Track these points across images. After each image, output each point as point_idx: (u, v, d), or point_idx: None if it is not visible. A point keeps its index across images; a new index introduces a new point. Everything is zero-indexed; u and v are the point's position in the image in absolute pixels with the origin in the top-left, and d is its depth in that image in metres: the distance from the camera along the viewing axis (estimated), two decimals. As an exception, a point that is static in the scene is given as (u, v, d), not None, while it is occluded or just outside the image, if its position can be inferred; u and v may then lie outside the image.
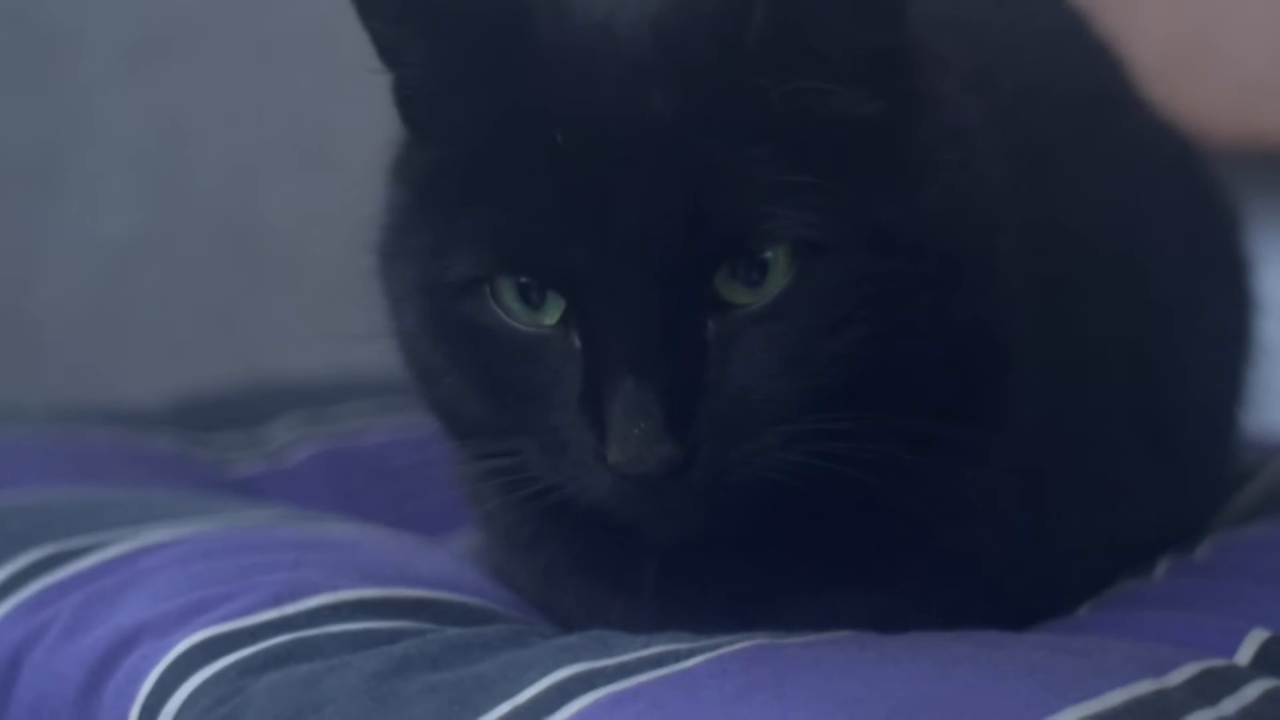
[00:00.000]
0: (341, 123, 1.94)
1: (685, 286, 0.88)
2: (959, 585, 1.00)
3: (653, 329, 0.88)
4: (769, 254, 0.88)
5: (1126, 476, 1.11)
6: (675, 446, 0.87)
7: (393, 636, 0.94)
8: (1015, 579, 1.03)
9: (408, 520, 1.21)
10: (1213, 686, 0.86)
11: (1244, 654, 0.92)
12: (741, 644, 0.89)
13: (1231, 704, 0.84)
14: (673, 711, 0.80)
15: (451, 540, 1.25)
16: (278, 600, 0.97)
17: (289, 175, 2.01)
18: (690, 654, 0.87)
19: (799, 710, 0.78)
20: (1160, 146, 1.29)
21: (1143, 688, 0.83)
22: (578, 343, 0.90)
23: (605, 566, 1.01)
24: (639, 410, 0.87)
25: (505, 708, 0.82)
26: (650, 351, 0.88)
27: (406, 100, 0.96)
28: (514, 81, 0.91)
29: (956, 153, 0.94)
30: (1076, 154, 1.15)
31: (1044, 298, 1.03)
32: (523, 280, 0.90)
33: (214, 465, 1.46)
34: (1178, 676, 0.86)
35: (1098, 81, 1.26)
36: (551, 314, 0.91)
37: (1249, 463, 1.36)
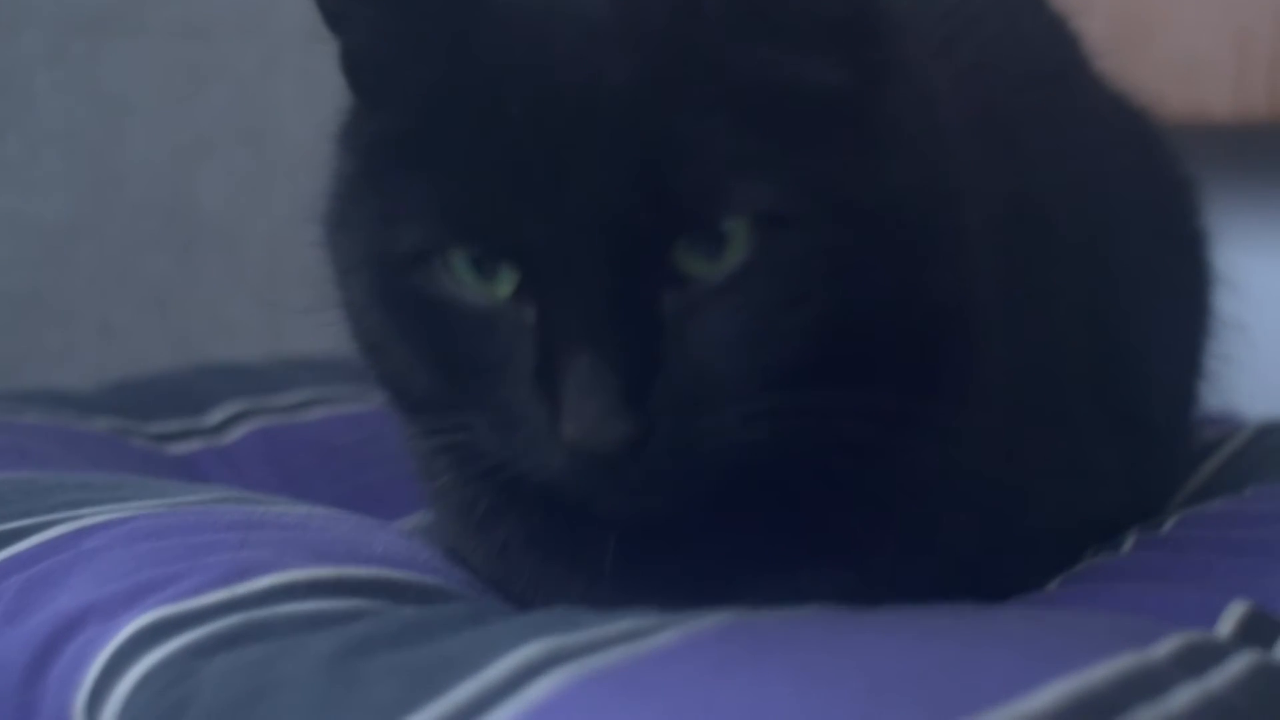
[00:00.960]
0: (279, 103, 1.92)
1: (642, 259, 0.86)
2: (927, 563, 0.99)
3: (608, 302, 0.85)
4: (728, 226, 0.86)
5: (1092, 452, 1.09)
6: (631, 423, 0.85)
7: (349, 616, 0.91)
8: (983, 557, 1.01)
9: (349, 499, 1.19)
10: (1197, 659, 0.84)
11: (1224, 626, 0.91)
12: (713, 619, 0.86)
13: (1218, 677, 0.82)
14: (647, 687, 0.77)
15: (397, 520, 1.22)
16: (227, 580, 0.94)
17: (226, 156, 1.97)
18: (660, 629, 0.85)
19: (778, 684, 0.76)
20: (1117, 119, 1.28)
21: (1127, 660, 0.80)
22: (531, 316, 0.88)
23: (563, 545, 0.99)
24: (594, 385, 0.85)
25: (472, 686, 0.79)
26: (606, 325, 0.85)
27: (354, 66, 0.94)
28: (464, 46, 0.88)
29: (924, 122, 0.92)
30: (1036, 126, 1.13)
31: (1010, 272, 1.01)
32: (475, 252, 0.88)
33: (151, 446, 1.44)
34: (1161, 649, 0.84)
35: (1055, 54, 1.25)
36: (505, 286, 0.88)
37: (1210, 439, 1.35)
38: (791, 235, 0.86)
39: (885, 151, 0.89)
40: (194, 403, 1.53)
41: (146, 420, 1.48)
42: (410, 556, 1.03)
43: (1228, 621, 0.91)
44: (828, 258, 0.87)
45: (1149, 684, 0.79)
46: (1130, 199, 1.22)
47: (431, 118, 0.89)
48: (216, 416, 1.50)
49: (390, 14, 0.91)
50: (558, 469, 0.88)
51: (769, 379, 0.87)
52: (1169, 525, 1.12)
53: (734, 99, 0.85)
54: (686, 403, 0.87)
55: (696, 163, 0.85)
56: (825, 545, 0.97)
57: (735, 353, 0.87)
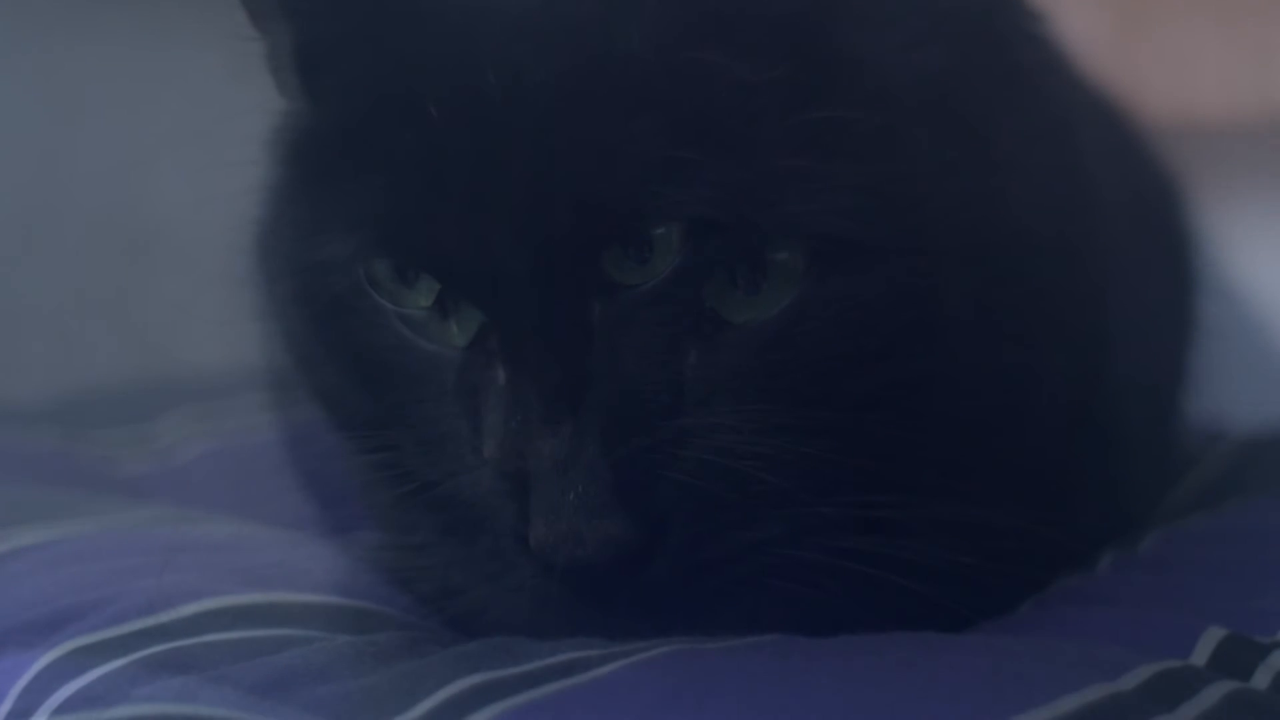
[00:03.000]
0: (238, 106, 1.87)
1: (567, 269, 0.81)
2: (893, 591, 0.93)
3: (532, 316, 0.81)
4: (781, 254, 0.80)
5: (1071, 471, 1.04)
6: (628, 522, 0.77)
7: (278, 645, 0.86)
8: (954, 584, 0.95)
9: (306, 520, 1.14)
10: (1169, 689, 0.79)
11: (1200, 654, 0.86)
12: (657, 650, 0.81)
13: (1190, 709, 0.77)
14: (582, 725, 0.72)
15: (352, 540, 1.18)
16: (151, 607, 0.89)
17: (180, 160, 1.90)
18: (602, 661, 0.80)
19: (726, 721, 0.71)
20: (1097, 116, 1.23)
21: (1095, 693, 0.76)
22: (454, 327, 0.84)
23: (505, 568, 0.94)
24: (514, 402, 0.80)
25: None
26: (528, 341, 0.81)
27: (280, 69, 0.90)
28: (390, 43, 0.84)
29: (879, 121, 0.85)
30: (1013, 124, 1.09)
31: (984, 279, 0.96)
32: (395, 261, 0.84)
33: (100, 463, 1.40)
34: (1132, 680, 0.79)
35: (1030, 53, 1.20)
36: (424, 295, 0.84)
37: (1189, 449, 1.30)
38: (863, 268, 0.80)
39: (835, 155, 0.82)
40: (144, 416, 1.49)
41: (95, 434, 1.44)
42: (351, 581, 0.98)
43: (1204, 649, 0.86)
44: (912, 301, 0.81)
45: (1119, 717, 0.75)
46: (1113, 198, 1.17)
47: (353, 118, 0.85)
48: (168, 433, 1.45)
49: (315, 7, 0.87)
50: (527, 598, 0.83)
51: (830, 474, 0.80)
52: (1146, 543, 1.07)
53: (666, 99, 0.80)
54: (710, 503, 0.79)
55: (622, 166, 0.79)
56: (782, 570, 0.91)
57: (782, 432, 0.79)
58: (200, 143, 1.87)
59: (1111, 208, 1.15)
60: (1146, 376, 1.19)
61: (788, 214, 0.79)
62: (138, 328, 1.92)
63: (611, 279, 0.81)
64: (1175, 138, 1.32)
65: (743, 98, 0.81)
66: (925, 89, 0.84)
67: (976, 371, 0.82)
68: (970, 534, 0.81)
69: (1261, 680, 0.83)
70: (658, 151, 0.79)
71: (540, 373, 0.80)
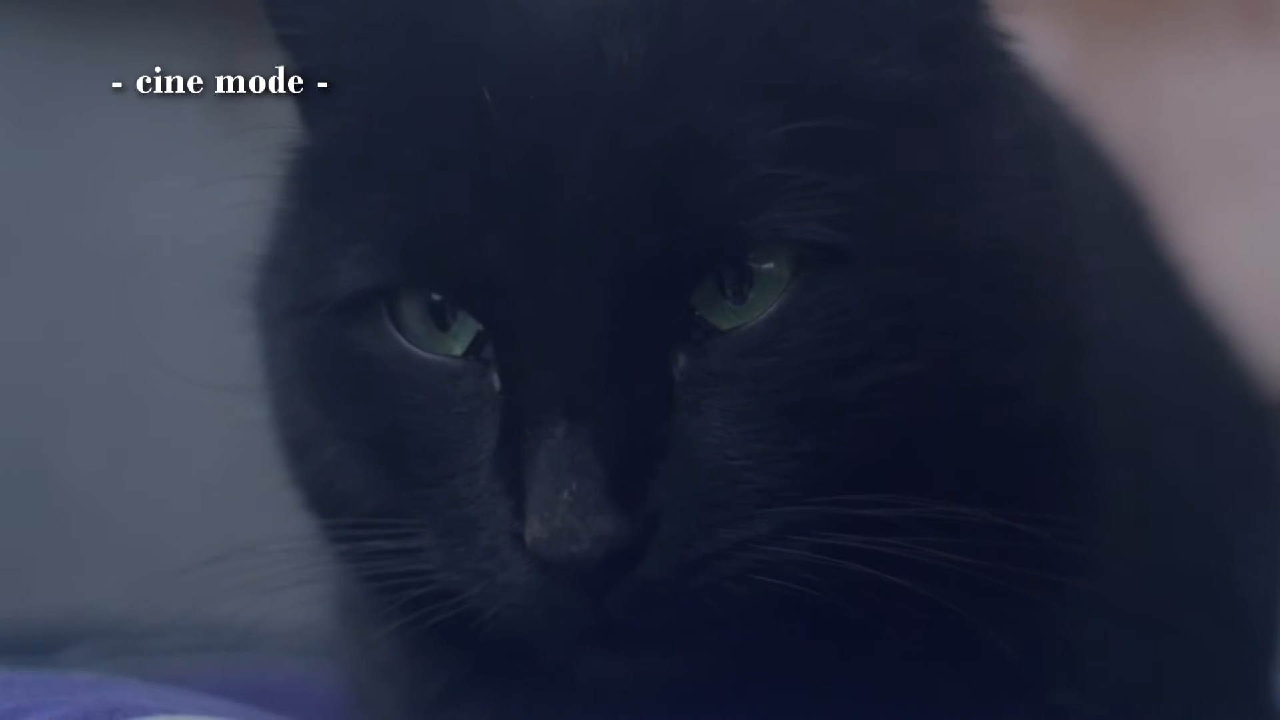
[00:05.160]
0: (162, 349, 1.77)
1: (649, 300, 0.71)
2: (882, 589, 0.76)
3: (597, 359, 0.70)
4: (766, 259, 0.72)
5: (1050, 475, 0.90)
6: (620, 519, 0.69)
7: None
8: (944, 582, 0.79)
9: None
10: None
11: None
12: None
13: None
14: None
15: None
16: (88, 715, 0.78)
17: (96, 413, 1.81)
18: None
19: None
20: (1067, 131, 1.16)
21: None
22: (496, 379, 0.73)
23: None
24: (570, 467, 0.69)
25: None
26: (591, 389, 0.70)
27: (306, 73, 0.79)
28: (431, 21, 0.74)
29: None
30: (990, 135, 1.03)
31: (965, 285, 0.87)
32: (434, 296, 0.74)
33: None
34: None
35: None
36: (459, 340, 0.74)
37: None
38: (847, 275, 0.72)
39: (820, 165, 0.73)
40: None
41: None
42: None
43: None
44: (895, 308, 0.73)
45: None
46: (1087, 210, 1.11)
47: (386, 116, 0.75)
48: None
49: (321, 30, 0.78)
50: (519, 594, 0.72)
51: (816, 474, 0.72)
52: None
53: (784, 89, 0.72)
54: (699, 502, 0.71)
55: (726, 173, 0.70)
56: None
57: (769, 433, 0.72)
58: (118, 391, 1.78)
59: (1086, 220, 1.11)
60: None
61: (775, 222, 0.71)
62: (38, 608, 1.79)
63: (702, 320, 0.72)
64: (1138, 156, 1.25)
65: (883, 98, 0.75)
66: (906, 102, 0.76)
67: (957, 375, 0.74)
68: (957, 532, 0.73)
69: None
70: (773, 155, 0.71)
71: (606, 439, 0.70)
